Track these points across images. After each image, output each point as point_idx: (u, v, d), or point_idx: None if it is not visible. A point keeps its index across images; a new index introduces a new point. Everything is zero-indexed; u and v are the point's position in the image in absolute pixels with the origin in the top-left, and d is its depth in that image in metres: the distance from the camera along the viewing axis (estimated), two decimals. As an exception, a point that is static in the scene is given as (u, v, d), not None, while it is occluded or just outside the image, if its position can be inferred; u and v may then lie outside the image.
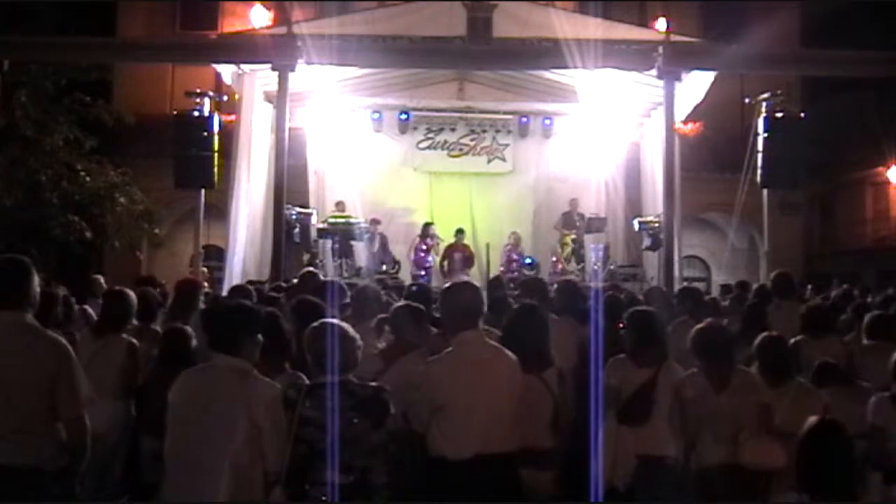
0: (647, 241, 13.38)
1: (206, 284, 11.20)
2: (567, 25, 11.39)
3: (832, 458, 2.96)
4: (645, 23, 16.25)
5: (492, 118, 15.70)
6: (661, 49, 11.37)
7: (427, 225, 14.47)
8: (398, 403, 3.83)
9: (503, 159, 15.96)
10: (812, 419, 3.08)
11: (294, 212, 12.61)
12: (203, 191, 12.50)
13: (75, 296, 7.16)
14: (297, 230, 12.62)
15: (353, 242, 13.62)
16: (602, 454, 4.14)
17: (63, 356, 3.65)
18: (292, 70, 11.45)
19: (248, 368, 3.62)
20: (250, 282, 9.91)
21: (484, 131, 15.84)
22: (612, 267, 13.84)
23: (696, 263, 19.74)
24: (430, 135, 15.83)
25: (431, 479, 3.84)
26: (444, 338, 4.23)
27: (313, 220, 13.33)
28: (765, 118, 11.85)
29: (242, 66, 12.36)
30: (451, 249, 14.30)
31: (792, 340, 5.52)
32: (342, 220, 13.45)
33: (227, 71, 12.63)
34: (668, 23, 15.15)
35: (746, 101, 12.91)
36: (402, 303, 5.21)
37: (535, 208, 16.00)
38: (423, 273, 13.95)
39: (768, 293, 7.51)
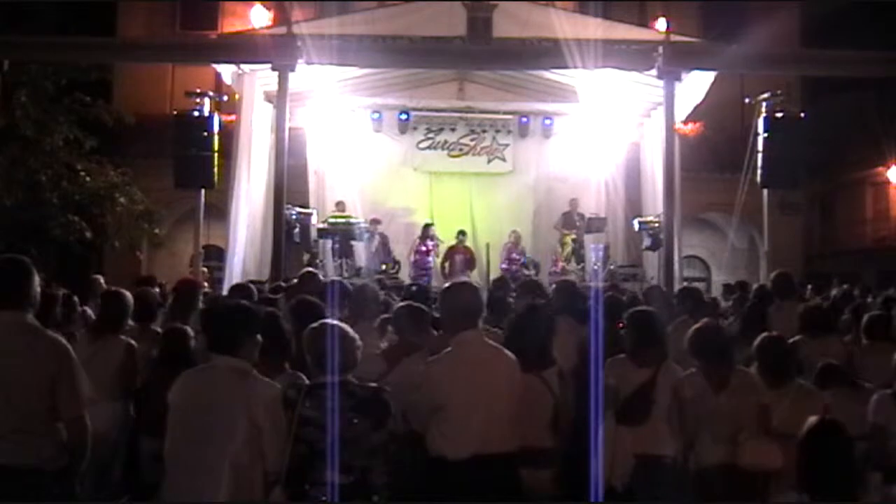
0: (647, 241, 13.39)
1: (206, 284, 11.23)
2: (567, 25, 11.38)
3: (832, 458, 2.96)
4: (645, 23, 16.25)
5: (492, 118, 15.70)
6: (661, 49, 11.37)
7: (427, 226, 14.47)
8: (398, 404, 3.83)
9: (503, 159, 15.96)
10: (812, 419, 3.08)
11: (294, 212, 12.61)
12: (203, 191, 12.50)
13: (75, 296, 7.14)
14: (297, 230, 12.62)
15: (353, 242, 13.63)
16: (602, 454, 4.14)
17: (63, 356, 3.65)
18: (292, 70, 11.45)
19: (247, 369, 3.63)
20: (251, 282, 9.91)
21: (484, 131, 15.83)
22: (612, 267, 13.85)
23: (696, 263, 19.74)
24: (430, 135, 15.83)
25: (431, 479, 3.85)
26: (447, 338, 4.23)
27: (313, 220, 13.34)
28: (765, 118, 11.85)
29: (242, 66, 12.35)
30: (452, 251, 14.31)
31: (790, 341, 5.51)
32: (342, 220, 13.45)
33: (227, 71, 12.63)
34: (668, 23, 15.15)
35: (746, 101, 12.90)
36: (404, 303, 5.20)
37: (535, 208, 16.00)
38: (423, 274, 13.95)
39: (769, 293, 7.50)
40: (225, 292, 9.29)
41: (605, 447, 4.24)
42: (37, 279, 3.78)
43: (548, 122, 15.61)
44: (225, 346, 3.64)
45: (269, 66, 11.65)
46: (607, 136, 14.96)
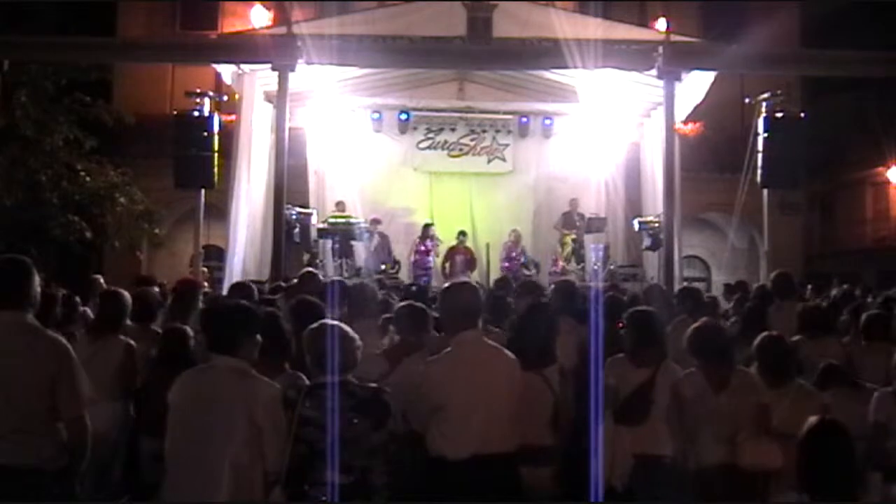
0: (647, 241, 13.39)
1: (206, 284, 11.22)
2: (567, 25, 11.39)
3: (832, 458, 2.96)
4: (645, 23, 16.25)
5: (492, 118, 15.70)
6: (661, 49, 11.38)
7: (427, 226, 14.47)
8: (399, 404, 3.83)
9: (503, 159, 15.96)
10: (812, 419, 3.08)
11: (294, 212, 12.61)
12: (203, 191, 12.50)
13: (77, 296, 7.13)
14: (297, 230, 12.62)
15: (353, 242, 13.63)
16: (602, 454, 4.14)
17: (63, 356, 3.65)
18: (292, 70, 11.45)
19: (247, 369, 3.63)
20: (251, 282, 9.91)
21: (484, 131, 15.83)
22: (612, 267, 13.85)
23: (696, 263, 19.75)
24: (430, 135, 15.83)
25: (431, 478, 3.85)
26: (448, 339, 4.24)
27: (313, 220, 13.34)
28: (765, 118, 11.85)
29: (242, 66, 12.35)
30: (452, 252, 14.30)
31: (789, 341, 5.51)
32: (342, 220, 13.45)
33: (227, 71, 12.63)
34: (668, 23, 15.15)
35: (746, 101, 12.91)
36: (405, 303, 5.20)
37: (535, 208, 16.00)
38: (423, 274, 13.95)
39: (769, 293, 7.50)
40: (225, 292, 9.29)
41: (604, 447, 4.24)
42: (37, 279, 3.78)
43: (548, 122, 15.61)
44: (224, 346, 3.65)
45: (269, 66, 11.65)
46: (607, 136, 14.96)
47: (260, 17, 16.84)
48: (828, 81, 18.18)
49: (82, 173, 14.75)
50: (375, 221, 14.22)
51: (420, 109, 15.46)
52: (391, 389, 3.91)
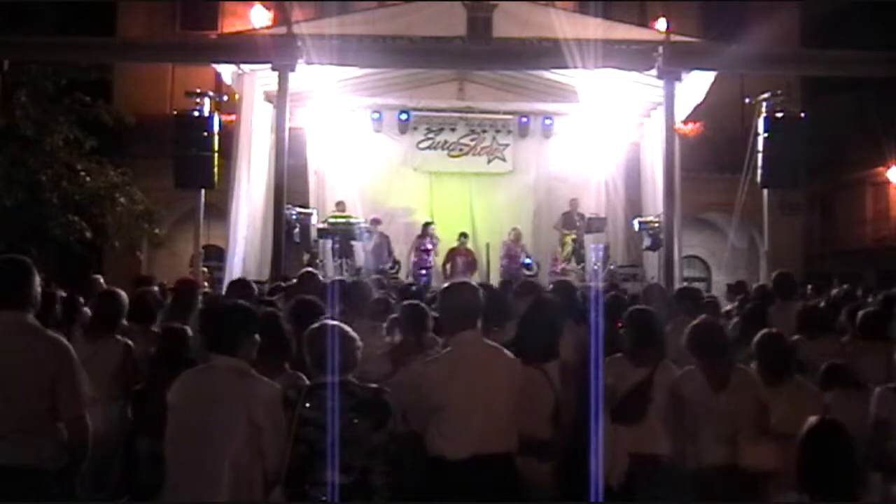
0: (647, 241, 13.39)
1: (206, 284, 11.23)
2: (567, 25, 11.39)
3: (832, 458, 2.96)
4: (645, 23, 16.24)
5: (492, 118, 15.69)
6: (661, 49, 11.38)
7: (426, 225, 14.47)
8: (399, 404, 3.83)
9: (503, 159, 15.95)
10: (812, 419, 3.08)
11: (294, 212, 12.61)
12: (203, 191, 12.50)
13: (78, 297, 7.12)
14: (297, 230, 12.62)
15: (353, 242, 13.63)
16: (602, 453, 4.14)
17: (64, 356, 3.65)
18: (292, 70, 11.45)
19: (246, 369, 3.63)
20: (252, 282, 9.91)
21: (484, 131, 15.83)
22: (612, 267, 13.85)
23: (696, 263, 19.74)
24: (430, 135, 15.82)
25: (430, 479, 3.85)
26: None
27: (313, 220, 13.34)
28: (765, 118, 11.85)
29: (242, 66, 12.36)
30: (453, 253, 14.28)
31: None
32: (342, 220, 13.46)
33: (227, 71, 12.63)
34: (668, 23, 15.15)
35: (746, 101, 12.91)
36: (409, 303, 5.19)
37: (535, 208, 15.99)
38: (423, 273, 13.95)
39: (769, 293, 7.49)
40: (225, 287, 9.29)
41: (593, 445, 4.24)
42: (37, 279, 3.78)
43: (548, 122, 15.61)
44: (223, 346, 3.65)
45: (269, 66, 11.65)
46: (607, 136, 14.96)
47: (260, 17, 16.84)
48: (828, 81, 18.18)
49: (82, 173, 14.75)
50: (375, 221, 14.21)
51: (420, 109, 15.45)
52: (391, 389, 3.91)
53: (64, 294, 6.23)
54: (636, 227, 13.69)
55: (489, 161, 15.93)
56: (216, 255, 14.09)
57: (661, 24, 15.51)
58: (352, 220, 13.49)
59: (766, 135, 11.76)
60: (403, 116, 15.39)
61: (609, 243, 14.65)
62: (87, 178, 14.77)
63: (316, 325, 3.86)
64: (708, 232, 19.23)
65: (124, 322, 5.62)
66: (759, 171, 11.85)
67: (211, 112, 12.21)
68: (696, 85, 12.31)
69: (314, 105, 14.43)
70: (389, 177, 15.83)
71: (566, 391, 4.40)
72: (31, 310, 3.73)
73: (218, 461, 3.44)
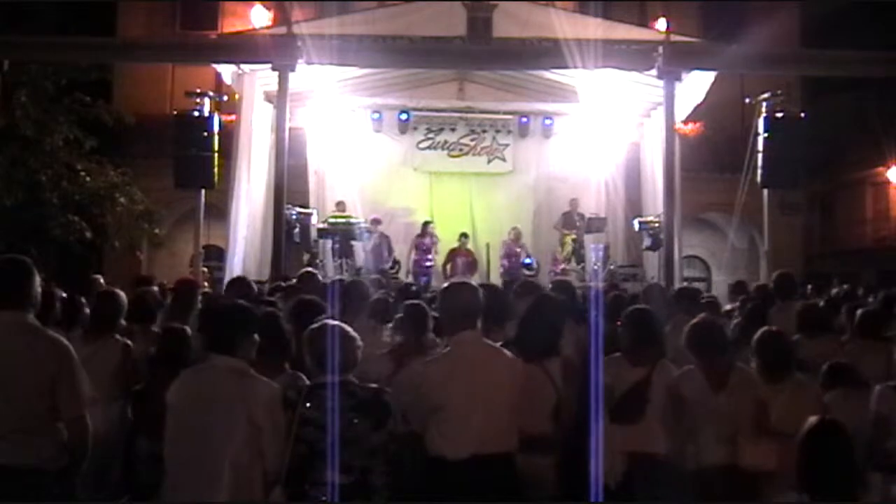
0: (647, 241, 13.39)
1: (206, 284, 11.23)
2: (567, 25, 11.40)
3: (832, 458, 2.96)
4: (645, 23, 16.24)
5: (492, 118, 15.69)
6: (661, 49, 11.38)
7: (426, 223, 14.47)
8: (399, 404, 3.83)
9: (503, 159, 15.95)
10: (812, 419, 3.08)
11: (294, 212, 12.62)
12: (203, 191, 12.50)
13: (76, 297, 7.12)
14: (297, 230, 12.63)
15: (353, 242, 13.63)
16: (602, 453, 4.14)
17: (64, 356, 3.65)
18: (292, 70, 11.46)
19: (246, 368, 3.63)
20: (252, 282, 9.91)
21: (484, 131, 15.83)
22: (612, 267, 13.85)
23: (696, 263, 19.74)
24: (430, 135, 15.82)
25: (430, 478, 3.85)
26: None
27: (313, 220, 13.35)
28: (765, 118, 11.86)
29: (242, 66, 12.36)
30: (454, 253, 14.27)
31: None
32: (342, 220, 13.46)
33: (227, 71, 12.63)
34: (668, 23, 15.14)
35: (746, 101, 12.92)
36: (411, 303, 5.18)
37: (535, 208, 15.99)
38: (424, 273, 13.94)
39: (770, 293, 7.49)
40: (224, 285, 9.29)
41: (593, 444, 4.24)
42: (37, 279, 3.78)
43: (548, 122, 15.60)
44: (223, 346, 3.64)
45: (269, 66, 11.66)
46: (607, 136, 14.96)
47: (260, 17, 16.83)
48: (828, 81, 18.18)
49: (82, 173, 14.74)
50: (375, 221, 14.21)
51: (420, 109, 15.46)
52: (392, 389, 3.91)
53: (65, 294, 6.22)
54: (636, 227, 13.69)
55: (489, 161, 15.93)
56: (216, 255, 14.09)
57: (661, 24, 15.51)
58: (352, 220, 13.49)
59: (766, 135, 11.76)
60: (403, 116, 15.39)
61: (609, 243, 14.65)
62: (87, 178, 14.77)
63: (316, 324, 3.86)
64: (708, 232, 19.23)
65: (122, 322, 5.61)
66: (759, 171, 11.85)
67: (211, 112, 12.21)
68: (696, 85, 12.32)
69: (314, 105, 14.43)
70: (389, 177, 15.83)
71: (567, 388, 4.40)
72: (32, 310, 3.73)
73: (218, 461, 3.44)
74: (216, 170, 12.09)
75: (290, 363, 4.30)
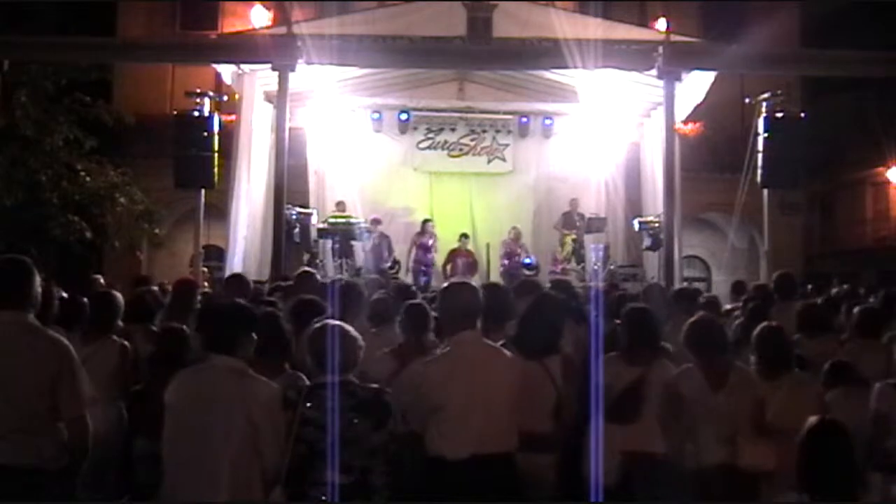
0: (647, 241, 13.39)
1: (205, 284, 11.22)
2: (567, 25, 11.39)
3: (832, 458, 2.96)
4: (645, 23, 16.25)
5: (492, 118, 15.69)
6: (661, 49, 11.38)
7: (425, 222, 14.47)
8: (399, 404, 3.83)
9: (503, 159, 15.95)
10: (812, 419, 3.08)
11: (294, 212, 12.61)
12: (203, 191, 12.50)
13: (78, 297, 7.10)
14: (297, 230, 12.63)
15: (353, 242, 13.63)
16: (601, 452, 4.14)
17: (64, 356, 3.65)
18: (292, 70, 11.45)
19: (244, 368, 3.62)
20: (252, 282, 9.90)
21: (484, 131, 15.82)
22: (612, 267, 13.84)
23: (696, 263, 19.75)
24: (430, 135, 15.82)
25: (430, 478, 3.85)
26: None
27: (313, 220, 13.35)
28: (765, 118, 11.85)
29: (242, 66, 12.36)
30: (454, 254, 14.26)
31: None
32: (342, 220, 13.46)
33: (227, 71, 12.63)
34: (668, 23, 15.14)
35: (746, 101, 12.91)
36: (412, 302, 5.18)
37: (535, 208, 15.99)
38: (424, 272, 13.94)
39: (770, 293, 7.50)
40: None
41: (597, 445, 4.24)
42: (37, 279, 3.78)
43: (548, 122, 15.60)
44: (221, 346, 3.63)
45: (269, 66, 11.65)
46: (607, 136, 14.96)
47: (260, 17, 16.83)
48: (828, 81, 18.18)
49: (82, 173, 14.75)
50: (375, 221, 14.21)
51: (420, 109, 15.45)
52: (392, 389, 3.91)
53: (66, 295, 6.22)
54: (636, 227, 13.69)
55: (489, 161, 15.93)
56: (216, 255, 14.09)
57: (661, 24, 15.51)
58: (352, 220, 13.49)
59: (766, 135, 11.76)
60: (403, 116, 15.39)
61: (609, 243, 14.65)
62: (87, 178, 14.78)
63: (318, 324, 3.86)
64: (708, 232, 19.23)
65: (120, 323, 5.60)
66: (759, 171, 11.85)
67: (211, 112, 12.21)
68: (696, 85, 12.31)
69: (314, 105, 14.43)
70: (389, 177, 15.83)
71: (567, 386, 4.40)
72: (32, 310, 3.73)
73: (217, 461, 3.44)
74: (216, 170, 12.09)
75: (290, 363, 4.30)
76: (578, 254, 14.39)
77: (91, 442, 3.71)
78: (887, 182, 20.46)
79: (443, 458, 3.80)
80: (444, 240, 14.53)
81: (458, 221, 15.26)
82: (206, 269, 13.55)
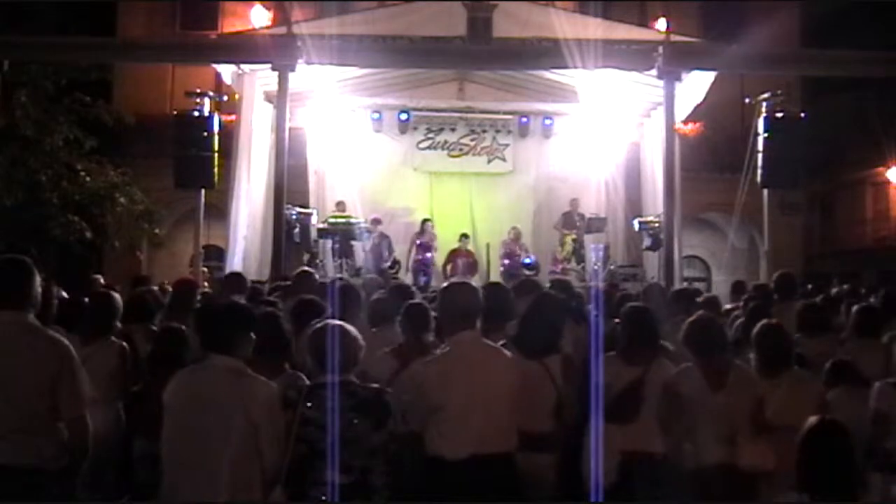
0: (647, 241, 13.39)
1: (205, 284, 11.22)
2: (567, 25, 11.39)
3: (832, 458, 2.96)
4: (645, 23, 16.25)
5: (492, 118, 15.68)
6: (661, 49, 11.38)
7: (424, 221, 14.47)
8: (399, 404, 3.83)
9: (503, 159, 15.95)
10: (812, 419, 3.08)
11: (294, 212, 12.61)
12: (203, 191, 12.51)
13: (79, 298, 7.10)
14: (297, 230, 12.62)
15: (353, 242, 13.63)
16: (601, 452, 4.14)
17: (64, 356, 3.65)
18: (292, 70, 11.45)
19: (242, 368, 3.61)
20: (252, 282, 9.91)
21: (484, 131, 15.82)
22: (612, 267, 13.84)
23: (696, 263, 19.75)
24: (430, 135, 15.81)
25: (429, 478, 3.85)
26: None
27: (313, 220, 13.34)
28: (765, 118, 11.85)
29: (242, 66, 12.36)
30: (454, 254, 14.26)
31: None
32: (342, 220, 13.45)
33: (227, 71, 12.63)
34: (668, 23, 15.16)
35: (746, 101, 12.91)
36: (412, 302, 5.17)
37: (535, 208, 15.98)
38: (424, 272, 13.94)
39: (770, 293, 7.50)
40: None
41: (595, 444, 4.24)
42: (37, 279, 3.78)
43: (548, 122, 15.59)
44: (219, 345, 3.63)
45: (269, 66, 11.65)
46: (607, 136, 14.96)
47: (260, 17, 16.85)
48: (828, 81, 18.19)
49: (82, 173, 14.76)
50: (376, 221, 14.20)
51: (420, 109, 15.44)
52: (393, 389, 3.91)
53: (67, 295, 6.22)
54: (636, 227, 13.69)
55: (489, 161, 15.93)
56: (216, 255, 14.10)
57: (661, 24, 15.52)
58: (352, 220, 13.49)
59: (766, 135, 11.76)
60: (403, 116, 15.38)
61: (609, 243, 14.64)
62: (87, 178, 14.78)
63: (318, 324, 3.85)
64: (708, 232, 19.23)
65: (118, 325, 5.60)
66: (759, 171, 11.85)
67: (211, 112, 12.21)
68: (696, 85, 12.31)
69: (314, 105, 14.43)
70: (389, 177, 15.82)
71: (568, 386, 4.40)
72: (32, 310, 3.72)
73: (216, 461, 3.43)
74: (216, 170, 12.09)
75: (290, 363, 4.29)
76: (578, 254, 14.38)
77: (91, 442, 3.71)
78: (887, 182, 20.47)
79: (442, 458, 3.80)
80: (444, 240, 14.53)
81: (458, 221, 15.25)
82: (206, 269, 13.56)
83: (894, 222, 21.17)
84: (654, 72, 11.60)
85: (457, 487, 3.73)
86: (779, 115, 11.89)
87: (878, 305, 6.52)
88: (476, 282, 7.10)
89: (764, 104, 11.97)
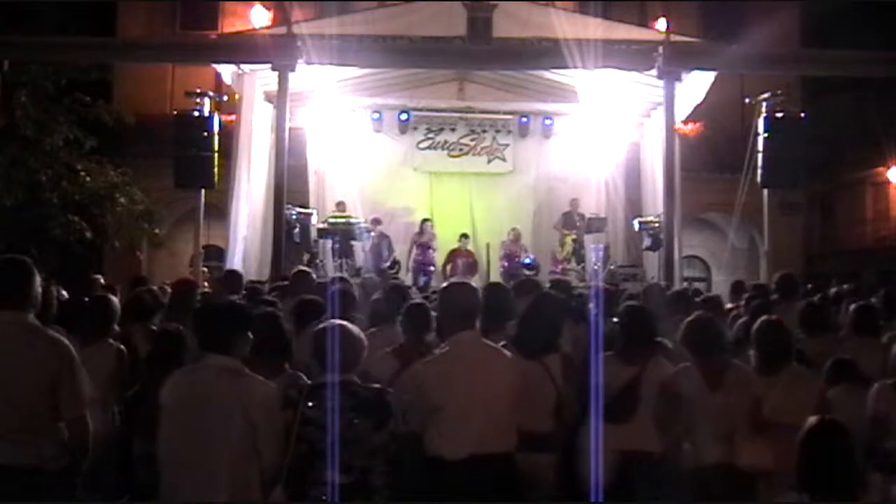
0: (647, 241, 13.39)
1: (205, 284, 11.22)
2: (567, 25, 11.39)
3: (832, 458, 2.96)
4: (645, 23, 16.25)
5: (492, 118, 15.68)
6: (661, 49, 11.38)
7: (424, 221, 14.47)
8: (399, 404, 3.83)
9: (503, 159, 15.94)
10: (812, 419, 3.08)
11: (294, 212, 12.61)
12: (203, 191, 12.51)
13: (80, 298, 7.09)
14: (297, 230, 12.62)
15: (353, 242, 13.63)
16: (601, 452, 4.14)
17: (65, 356, 3.65)
18: (292, 70, 11.45)
19: (240, 368, 3.61)
20: (251, 282, 9.92)
21: (484, 131, 15.81)
22: (612, 267, 13.83)
23: (696, 263, 19.75)
24: (430, 135, 15.81)
25: (429, 478, 3.85)
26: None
27: (313, 220, 13.34)
28: (765, 118, 11.86)
29: (242, 66, 12.36)
30: (454, 254, 14.25)
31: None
32: (342, 220, 13.45)
33: (227, 71, 12.63)
34: (668, 23, 15.15)
35: (746, 101, 12.92)
36: (413, 302, 5.17)
37: (535, 208, 15.98)
38: (424, 272, 13.93)
39: (769, 292, 7.50)
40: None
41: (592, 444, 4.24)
42: (37, 279, 3.78)
43: (548, 122, 15.59)
44: (217, 345, 3.63)
45: (269, 66, 11.66)
46: (607, 136, 14.95)
47: (260, 17, 16.85)
48: (828, 81, 18.18)
49: (82, 173, 14.76)
50: (376, 221, 14.20)
51: (420, 109, 15.44)
52: (394, 389, 3.91)
53: (67, 295, 6.22)
54: (636, 227, 13.69)
55: (489, 161, 15.92)
56: (216, 255, 14.10)
57: (661, 24, 15.52)
58: (352, 220, 13.48)
59: (766, 135, 11.76)
60: (403, 116, 15.37)
61: (609, 243, 14.64)
62: (87, 178, 14.79)
63: (320, 324, 3.85)
64: (708, 232, 19.23)
65: (116, 327, 5.59)
66: (759, 171, 11.85)
67: (211, 112, 12.22)
68: (696, 85, 12.31)
69: (314, 105, 14.43)
70: (389, 177, 15.82)
71: (567, 385, 4.40)
72: (32, 310, 3.73)
73: (215, 461, 3.43)
74: (216, 170, 12.10)
75: (290, 363, 4.29)
76: (578, 254, 14.37)
77: (91, 442, 3.71)
78: (887, 182, 20.46)
79: (442, 458, 3.79)
80: (444, 240, 14.52)
81: (458, 221, 15.25)
82: (206, 269, 13.55)
83: (894, 222, 21.16)
84: (654, 72, 11.61)
85: (457, 487, 3.73)
86: (779, 115, 11.89)
87: (878, 305, 6.53)
88: (476, 282, 7.11)
89: (764, 104, 11.97)
